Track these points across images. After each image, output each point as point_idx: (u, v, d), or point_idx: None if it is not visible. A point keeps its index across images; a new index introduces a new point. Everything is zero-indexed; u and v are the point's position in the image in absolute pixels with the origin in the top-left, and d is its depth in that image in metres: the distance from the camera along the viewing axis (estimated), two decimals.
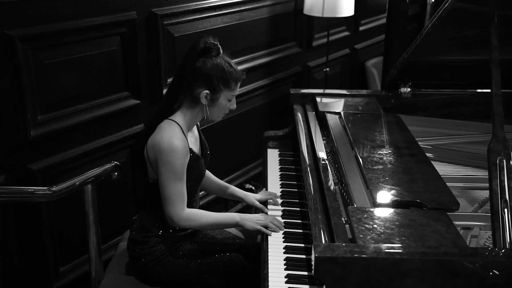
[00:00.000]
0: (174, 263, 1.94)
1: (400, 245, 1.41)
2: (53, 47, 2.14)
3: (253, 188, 3.30)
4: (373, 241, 1.44)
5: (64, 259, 2.41)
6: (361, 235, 1.47)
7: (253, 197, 2.15)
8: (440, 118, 2.56)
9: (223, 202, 3.24)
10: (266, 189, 2.22)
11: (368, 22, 4.40)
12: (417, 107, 2.60)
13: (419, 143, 2.15)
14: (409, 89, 2.58)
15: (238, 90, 1.94)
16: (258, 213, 2.06)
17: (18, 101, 2.07)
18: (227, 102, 1.92)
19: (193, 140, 1.99)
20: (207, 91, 1.85)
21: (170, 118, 1.89)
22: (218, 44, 1.87)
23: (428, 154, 2.19)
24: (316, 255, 1.35)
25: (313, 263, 1.37)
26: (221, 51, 1.88)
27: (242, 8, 3.05)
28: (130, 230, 2.03)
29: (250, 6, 3.11)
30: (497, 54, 1.50)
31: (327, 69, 3.70)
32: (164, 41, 2.58)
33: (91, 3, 2.25)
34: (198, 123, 2.07)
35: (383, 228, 1.51)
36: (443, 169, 2.10)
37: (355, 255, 1.34)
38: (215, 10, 2.84)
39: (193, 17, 2.73)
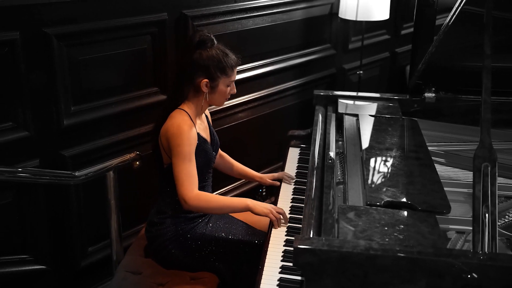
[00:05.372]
0: (187, 244, 2.07)
1: (376, 241, 1.47)
2: (86, 44, 2.33)
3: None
4: (354, 238, 1.51)
5: (92, 240, 2.60)
6: (344, 231, 1.54)
7: (267, 177, 2.40)
8: (464, 124, 2.55)
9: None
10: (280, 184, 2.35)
11: (410, 26, 4.36)
12: (441, 113, 2.60)
13: (433, 148, 2.16)
14: (433, 94, 2.60)
15: (236, 76, 2.11)
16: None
17: (53, 93, 2.26)
18: (227, 87, 2.08)
19: (202, 128, 2.14)
20: (206, 80, 2.02)
21: (179, 107, 2.05)
22: (212, 35, 2.05)
23: (439, 159, 2.21)
24: (296, 246, 1.45)
25: (293, 253, 1.46)
26: (215, 42, 2.05)
27: (274, 10, 3.14)
28: (149, 215, 2.19)
29: (283, 9, 3.20)
30: (489, 62, 1.53)
31: (361, 72, 3.73)
32: None
33: (125, 4, 2.41)
34: (209, 116, 2.24)
35: (367, 226, 1.57)
36: (454, 174, 2.12)
37: (331, 248, 1.42)
38: (246, 13, 2.96)
39: (223, 19, 2.85)
